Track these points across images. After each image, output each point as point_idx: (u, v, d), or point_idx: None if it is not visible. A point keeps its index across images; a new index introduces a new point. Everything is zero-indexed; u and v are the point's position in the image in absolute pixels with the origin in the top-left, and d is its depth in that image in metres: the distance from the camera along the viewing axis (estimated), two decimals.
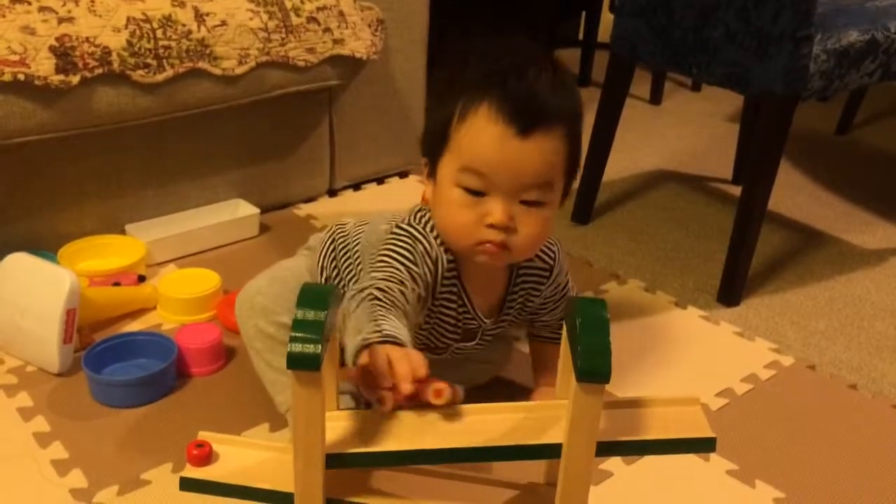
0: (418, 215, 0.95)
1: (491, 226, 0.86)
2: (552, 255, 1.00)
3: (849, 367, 1.28)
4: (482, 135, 0.84)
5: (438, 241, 0.92)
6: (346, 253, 1.05)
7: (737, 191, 1.48)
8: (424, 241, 0.91)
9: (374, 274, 0.88)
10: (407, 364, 0.70)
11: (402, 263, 0.89)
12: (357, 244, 1.03)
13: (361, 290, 0.84)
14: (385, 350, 0.72)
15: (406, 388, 0.69)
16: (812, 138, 2.28)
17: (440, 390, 0.69)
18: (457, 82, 0.87)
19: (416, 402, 0.70)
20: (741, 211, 1.41)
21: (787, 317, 1.41)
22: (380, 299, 0.83)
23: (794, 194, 1.90)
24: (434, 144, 0.89)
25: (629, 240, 1.66)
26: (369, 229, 1.03)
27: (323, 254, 1.08)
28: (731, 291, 1.43)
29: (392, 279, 0.87)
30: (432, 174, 0.91)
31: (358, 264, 1.02)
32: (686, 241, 1.67)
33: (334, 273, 1.05)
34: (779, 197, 1.67)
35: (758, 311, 1.42)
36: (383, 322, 0.79)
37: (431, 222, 0.93)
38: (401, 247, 0.91)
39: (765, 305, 1.44)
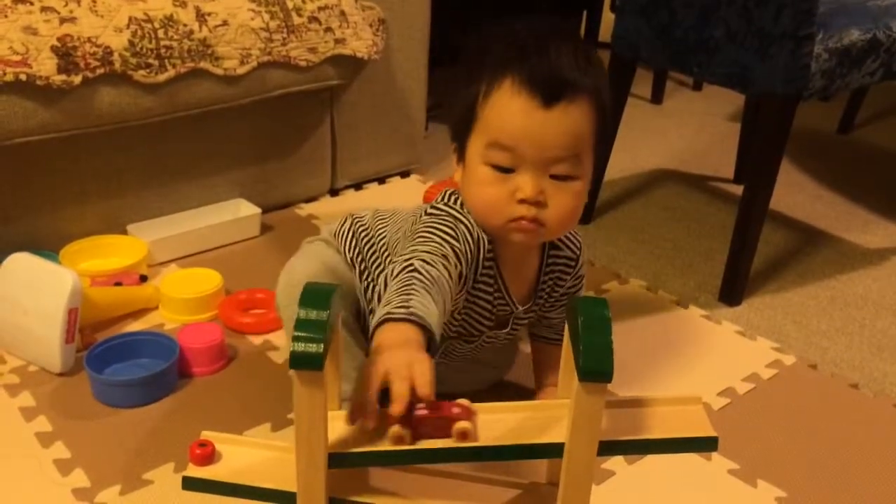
0: (452, 198, 0.94)
1: (522, 201, 0.85)
2: (578, 244, 1.00)
3: (850, 366, 1.28)
4: (507, 109, 0.84)
5: (475, 223, 0.91)
6: (370, 246, 1.04)
7: (738, 190, 1.48)
8: (465, 221, 0.90)
9: (416, 247, 0.86)
10: (406, 385, 0.65)
11: (444, 239, 0.87)
12: (382, 237, 1.03)
13: (405, 260, 0.83)
14: (384, 362, 0.67)
15: (397, 408, 0.65)
16: (813, 137, 2.28)
17: (465, 432, 0.66)
18: (480, 63, 0.87)
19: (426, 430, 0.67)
20: (742, 210, 1.41)
21: (788, 316, 1.41)
22: (419, 272, 0.80)
23: (796, 193, 1.90)
24: (461, 126, 0.89)
25: (630, 239, 1.66)
26: (394, 223, 1.03)
27: (346, 247, 1.06)
28: (732, 291, 1.43)
29: (435, 252, 0.85)
30: (461, 158, 0.91)
31: (386, 257, 1.01)
32: (687, 240, 1.67)
33: (362, 266, 1.04)
34: (780, 196, 1.67)
35: (759, 311, 1.42)
36: (414, 297, 0.75)
37: (465, 206, 0.92)
38: (443, 224, 0.89)
39: (766, 305, 1.44)
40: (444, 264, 0.84)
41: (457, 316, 0.96)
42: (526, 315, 1.01)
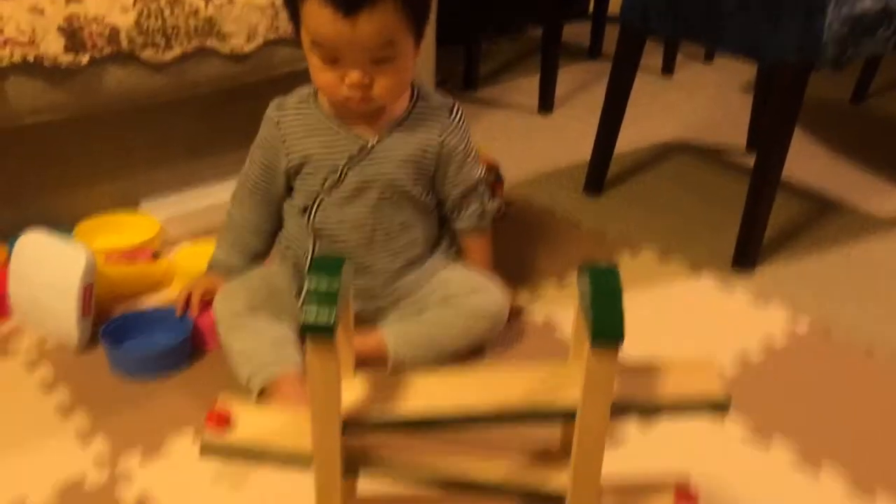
0: None
1: (350, 86, 0.98)
2: (452, 101, 1.12)
3: (864, 332, 1.27)
4: (317, 17, 0.95)
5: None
6: None
7: (751, 161, 1.47)
8: (275, 101, 1.12)
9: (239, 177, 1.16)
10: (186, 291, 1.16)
11: (252, 151, 1.13)
12: None
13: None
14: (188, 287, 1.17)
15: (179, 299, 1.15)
16: (826, 107, 2.25)
17: None
18: None
19: None
20: (755, 177, 1.40)
21: (802, 284, 1.40)
22: (228, 217, 1.18)
23: (809, 162, 1.89)
24: (291, 19, 1.02)
25: (642, 210, 1.66)
26: None
27: None
28: (745, 258, 1.43)
29: (241, 176, 1.15)
30: (298, 37, 1.02)
31: None
32: (700, 210, 1.66)
33: None
34: (793, 165, 1.66)
35: (773, 278, 1.41)
36: (217, 250, 1.19)
37: None
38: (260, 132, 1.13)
39: (780, 273, 1.43)
40: (245, 180, 1.15)
41: (306, 163, 1.08)
42: (388, 151, 1.07)
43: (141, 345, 1.15)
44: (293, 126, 1.09)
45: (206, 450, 0.70)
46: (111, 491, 0.92)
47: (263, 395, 1.02)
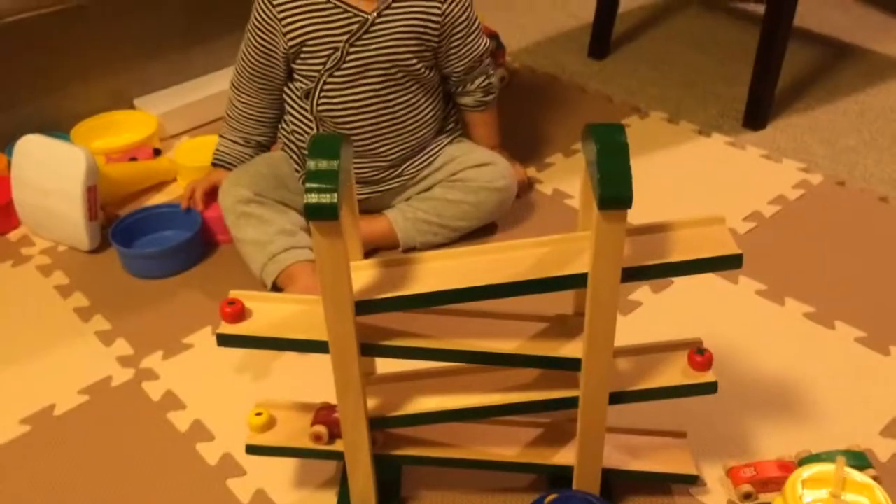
0: None
1: None
2: None
3: (879, 180, 1.25)
4: None
5: None
6: None
7: (762, 10, 1.40)
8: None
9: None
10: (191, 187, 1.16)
11: (245, 40, 1.10)
12: None
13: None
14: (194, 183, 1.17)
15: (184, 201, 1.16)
16: None
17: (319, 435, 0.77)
18: None
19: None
20: (766, 26, 1.34)
21: (816, 135, 1.37)
22: (228, 107, 1.15)
23: (821, 6, 1.80)
24: None
25: (650, 70, 1.60)
26: None
27: None
28: (757, 114, 1.39)
29: (238, 62, 1.12)
30: None
31: None
32: (710, 66, 1.61)
33: None
34: (805, 10, 1.59)
35: (785, 132, 1.38)
36: (220, 141, 1.17)
37: None
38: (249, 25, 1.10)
39: (792, 125, 1.40)
40: (244, 65, 1.10)
41: (299, 37, 1.04)
42: (390, 23, 1.03)
43: (151, 243, 1.15)
44: (288, 3, 1.04)
45: (223, 341, 0.71)
46: (138, 387, 0.95)
47: (277, 285, 1.03)
